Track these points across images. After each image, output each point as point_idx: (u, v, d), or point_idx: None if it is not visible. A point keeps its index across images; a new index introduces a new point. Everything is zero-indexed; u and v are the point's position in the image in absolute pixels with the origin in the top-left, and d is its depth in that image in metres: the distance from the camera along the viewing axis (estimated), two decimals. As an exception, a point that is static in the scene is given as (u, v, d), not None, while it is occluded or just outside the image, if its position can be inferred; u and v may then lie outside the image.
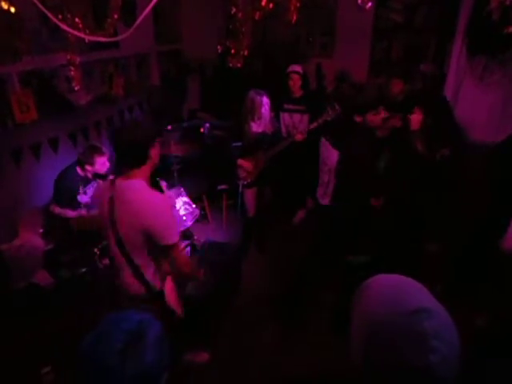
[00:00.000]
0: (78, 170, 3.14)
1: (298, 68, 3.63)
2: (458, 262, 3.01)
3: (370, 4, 1.74)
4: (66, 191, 3.09)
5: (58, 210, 3.12)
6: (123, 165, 1.81)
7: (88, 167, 3.11)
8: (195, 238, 3.36)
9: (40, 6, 1.14)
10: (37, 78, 3.48)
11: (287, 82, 3.67)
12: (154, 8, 3.65)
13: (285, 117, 3.83)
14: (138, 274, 1.85)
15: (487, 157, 2.83)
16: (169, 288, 2.02)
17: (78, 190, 3.13)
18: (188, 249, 3.04)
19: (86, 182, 3.18)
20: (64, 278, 3.18)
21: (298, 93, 3.71)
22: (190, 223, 3.03)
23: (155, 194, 1.79)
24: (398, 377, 0.69)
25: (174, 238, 1.75)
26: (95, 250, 2.90)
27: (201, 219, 3.92)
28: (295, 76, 3.62)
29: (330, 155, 3.72)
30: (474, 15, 3.06)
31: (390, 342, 0.69)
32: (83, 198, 3.17)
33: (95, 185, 3.19)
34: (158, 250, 1.81)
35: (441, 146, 2.80)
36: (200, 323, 2.48)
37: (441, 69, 3.76)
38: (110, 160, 3.20)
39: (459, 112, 3.37)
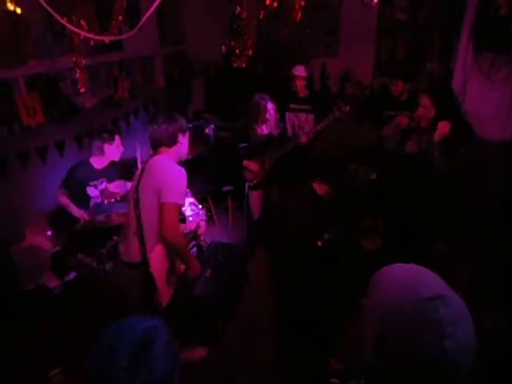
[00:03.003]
0: (92, 162, 3.12)
1: (301, 70, 3.60)
2: (472, 261, 2.97)
3: (375, 1, 1.72)
4: (76, 180, 3.06)
5: (64, 200, 3.06)
6: (157, 146, 2.16)
7: (99, 157, 3.10)
8: (201, 238, 3.35)
9: (46, 7, 1.14)
10: (43, 82, 3.50)
11: (291, 84, 3.66)
12: (158, 10, 3.68)
13: (290, 116, 3.82)
14: (143, 246, 2.09)
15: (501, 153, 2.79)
16: (155, 255, 2.09)
17: (89, 182, 3.11)
18: (194, 249, 3.03)
19: (99, 175, 3.16)
20: (71, 281, 3.19)
21: (302, 93, 3.69)
22: (195, 224, 3.02)
23: (175, 165, 2.10)
24: (413, 364, 0.68)
25: (174, 199, 1.99)
26: (103, 250, 2.89)
27: (206, 220, 3.92)
28: (299, 78, 3.60)
29: None
30: (481, 11, 3.03)
31: (405, 329, 0.69)
32: (93, 192, 3.14)
33: (105, 182, 3.18)
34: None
35: (456, 146, 2.75)
36: (208, 322, 2.48)
37: (447, 66, 3.73)
38: (122, 143, 3.20)
39: (466, 109, 3.33)
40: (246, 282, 3.09)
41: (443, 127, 2.63)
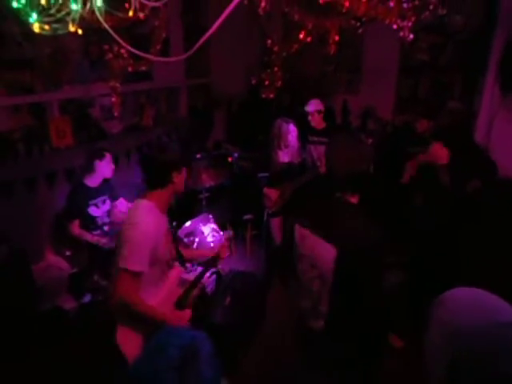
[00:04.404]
0: (86, 181, 3.08)
1: (313, 105, 3.61)
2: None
3: (411, 36, 1.79)
4: (76, 205, 3.03)
5: (77, 230, 3.03)
6: (147, 185, 1.85)
7: (91, 175, 3.06)
8: (219, 266, 3.31)
9: (107, 27, 1.20)
10: (74, 106, 3.64)
11: (307, 119, 3.69)
12: (186, 43, 3.83)
13: (311, 148, 3.85)
14: None
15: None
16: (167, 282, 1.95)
17: (88, 201, 3.06)
18: (213, 277, 2.99)
19: (96, 193, 3.11)
20: (86, 303, 3.15)
21: (319, 126, 3.73)
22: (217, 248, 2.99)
23: (148, 218, 1.74)
24: None
25: (129, 264, 1.66)
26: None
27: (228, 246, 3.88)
28: (313, 114, 3.62)
29: None
30: (507, 52, 3.10)
31: (484, 354, 0.68)
32: (95, 212, 3.11)
33: (107, 200, 3.17)
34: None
35: (468, 178, 2.74)
36: (226, 350, 2.39)
37: (470, 106, 3.78)
38: (113, 161, 3.15)
39: (492, 149, 3.34)
40: (265, 311, 3.01)
41: (441, 150, 2.60)
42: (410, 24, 1.77)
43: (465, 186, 2.72)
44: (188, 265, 2.69)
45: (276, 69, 2.62)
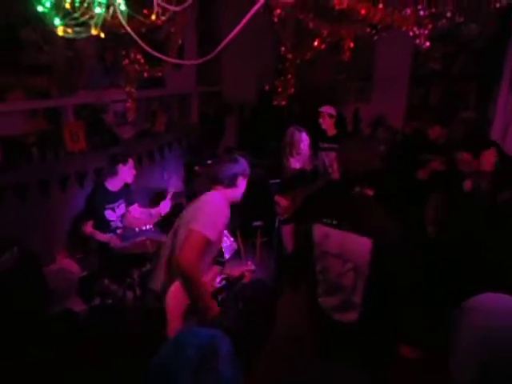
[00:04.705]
0: (107, 184, 3.12)
1: (329, 109, 3.70)
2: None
3: (427, 44, 1.79)
4: (95, 206, 3.07)
5: (89, 229, 3.04)
6: (214, 183, 2.13)
7: (113, 178, 3.11)
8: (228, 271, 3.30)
9: (129, 31, 1.22)
10: (88, 111, 3.69)
11: (319, 122, 3.74)
12: (199, 51, 3.86)
13: (322, 155, 3.86)
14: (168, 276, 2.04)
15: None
16: (175, 287, 1.98)
17: (106, 205, 3.09)
18: (223, 282, 2.98)
19: (114, 197, 3.14)
20: (96, 306, 3.16)
21: (331, 131, 3.76)
22: (227, 256, 3.00)
23: (220, 201, 2.01)
24: None
25: (202, 228, 1.85)
26: (134, 276, 2.87)
27: (233, 255, 3.87)
28: (325, 115, 3.68)
29: None
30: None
31: None
32: (111, 215, 3.14)
33: (123, 205, 3.20)
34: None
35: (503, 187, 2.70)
36: (238, 355, 2.36)
37: (484, 115, 3.76)
38: (135, 167, 3.22)
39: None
40: (275, 316, 2.98)
41: (490, 156, 2.61)
42: (426, 32, 1.78)
43: (497, 196, 2.68)
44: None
45: (289, 76, 2.63)
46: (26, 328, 2.62)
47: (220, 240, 2.02)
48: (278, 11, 2.29)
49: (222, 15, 4.74)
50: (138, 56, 2.41)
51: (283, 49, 2.64)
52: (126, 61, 2.32)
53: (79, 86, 3.50)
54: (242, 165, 2.14)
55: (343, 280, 1.69)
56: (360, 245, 1.60)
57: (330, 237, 1.70)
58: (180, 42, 2.27)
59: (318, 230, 1.74)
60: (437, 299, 2.67)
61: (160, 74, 2.40)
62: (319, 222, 1.73)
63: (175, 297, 1.98)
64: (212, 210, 1.95)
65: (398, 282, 1.58)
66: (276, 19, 2.36)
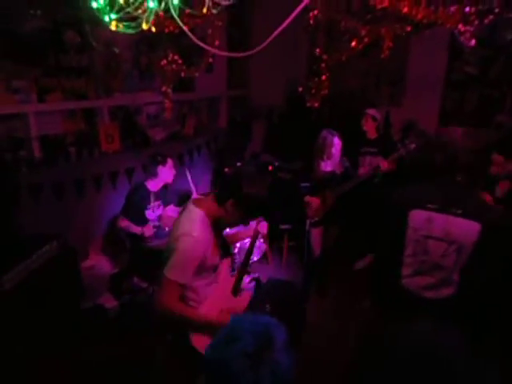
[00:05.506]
0: (148, 185, 3.21)
1: (374, 111, 3.69)
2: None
3: (473, 42, 1.75)
4: (134, 205, 3.14)
5: (124, 223, 3.10)
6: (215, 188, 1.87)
7: (154, 179, 3.18)
8: (257, 274, 3.29)
9: (182, 25, 1.25)
10: (123, 113, 3.79)
11: (360, 122, 3.72)
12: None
13: (366, 159, 3.77)
14: None
15: None
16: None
17: (146, 205, 3.17)
18: (252, 284, 2.97)
19: (154, 198, 3.22)
20: (126, 303, 3.20)
21: (372, 134, 3.73)
22: (257, 257, 2.99)
23: (200, 230, 1.73)
24: None
25: (173, 275, 1.68)
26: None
27: (260, 258, 3.86)
28: (369, 117, 3.67)
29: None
30: None
31: None
32: (150, 215, 3.21)
33: (161, 205, 3.25)
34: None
35: None
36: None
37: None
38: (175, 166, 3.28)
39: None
40: (304, 320, 2.95)
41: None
42: (472, 29, 1.73)
43: None
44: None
45: (324, 77, 2.62)
46: (61, 322, 2.68)
47: (207, 256, 1.80)
48: (316, 12, 2.29)
49: (253, 19, 4.80)
50: (176, 57, 2.46)
51: (318, 50, 2.63)
52: (164, 61, 2.36)
53: (115, 88, 3.60)
54: None
55: (445, 260, 1.84)
56: (468, 226, 1.74)
57: (434, 221, 1.82)
58: (217, 43, 2.29)
59: (418, 216, 1.86)
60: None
61: (196, 74, 2.44)
62: (420, 207, 1.85)
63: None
64: (183, 252, 1.71)
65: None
66: (312, 21, 2.36)
